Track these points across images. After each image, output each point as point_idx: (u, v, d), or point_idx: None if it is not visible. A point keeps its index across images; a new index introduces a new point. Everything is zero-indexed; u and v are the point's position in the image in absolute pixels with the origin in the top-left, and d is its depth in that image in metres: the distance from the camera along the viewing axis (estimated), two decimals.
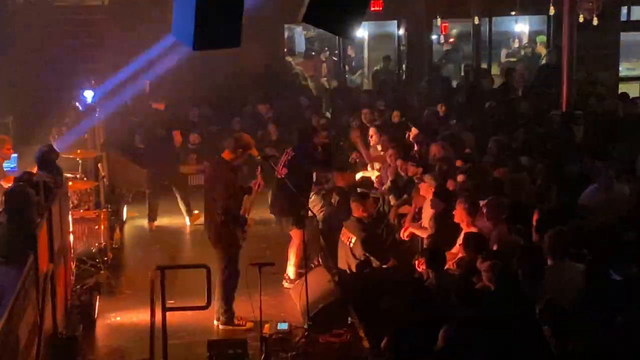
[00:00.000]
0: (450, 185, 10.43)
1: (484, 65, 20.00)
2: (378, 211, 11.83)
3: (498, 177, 10.54)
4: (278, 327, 8.98)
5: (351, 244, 10.22)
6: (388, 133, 13.66)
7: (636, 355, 6.15)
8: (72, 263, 10.21)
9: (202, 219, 10.12)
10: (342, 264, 10.42)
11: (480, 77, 18.51)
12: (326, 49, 23.37)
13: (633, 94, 16.83)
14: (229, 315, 9.35)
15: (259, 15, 13.63)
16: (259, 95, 17.61)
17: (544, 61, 20.38)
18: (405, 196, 11.42)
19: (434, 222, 9.94)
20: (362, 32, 21.82)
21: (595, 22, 14.24)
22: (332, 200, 12.35)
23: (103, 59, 16.51)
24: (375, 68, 21.90)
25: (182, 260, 11.69)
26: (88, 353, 8.74)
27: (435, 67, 20.54)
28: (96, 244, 11.06)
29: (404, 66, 21.40)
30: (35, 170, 9.64)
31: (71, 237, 10.26)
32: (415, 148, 12.95)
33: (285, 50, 21.33)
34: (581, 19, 13.91)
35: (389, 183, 12.09)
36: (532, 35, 23.66)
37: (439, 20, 18.63)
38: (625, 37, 20.73)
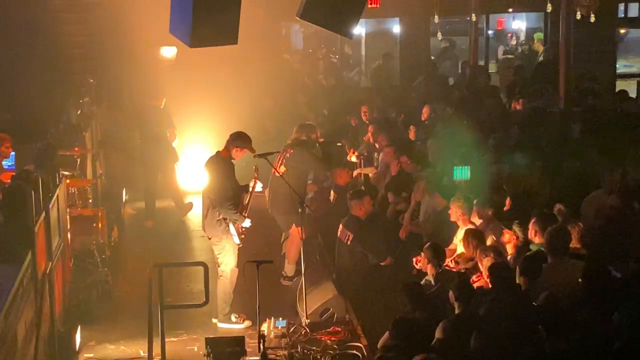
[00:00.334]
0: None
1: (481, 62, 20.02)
2: (375, 208, 11.83)
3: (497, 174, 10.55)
4: (276, 325, 8.99)
5: (349, 242, 10.22)
6: (386, 130, 13.66)
7: (633, 352, 6.15)
8: (69, 261, 10.21)
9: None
10: (339, 262, 10.43)
11: (477, 74, 18.50)
12: (323, 46, 23.36)
13: (630, 91, 16.83)
14: (227, 312, 9.35)
15: (256, 12, 13.64)
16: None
17: (541, 58, 20.39)
18: (403, 193, 11.43)
19: (432, 219, 9.96)
20: (359, 29, 21.80)
21: (592, 18, 14.25)
22: (330, 198, 12.35)
23: (102, 57, 16.47)
24: (374, 65, 21.90)
25: (180, 258, 11.68)
26: (86, 351, 8.74)
27: (431, 64, 20.52)
28: (94, 242, 11.05)
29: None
30: (32, 168, 9.63)
31: (69, 235, 10.26)
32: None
33: (283, 48, 21.31)
34: (578, 16, 13.91)
35: (386, 180, 12.10)
36: (529, 32, 23.68)
37: (436, 17, 18.57)
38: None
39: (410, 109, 15.85)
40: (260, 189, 9.86)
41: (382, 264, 10.15)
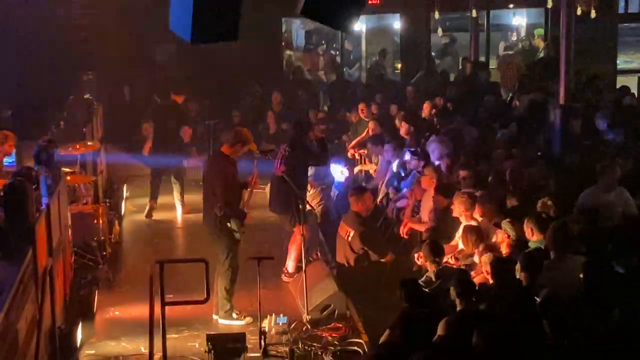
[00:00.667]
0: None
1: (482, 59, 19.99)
2: (376, 205, 11.84)
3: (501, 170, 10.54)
4: (277, 321, 9.00)
5: (349, 238, 10.23)
6: (386, 126, 13.67)
7: (634, 348, 6.15)
8: (70, 257, 10.21)
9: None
10: (340, 258, 10.44)
11: (478, 70, 18.48)
12: (323, 42, 23.33)
13: (631, 86, 16.81)
14: (228, 309, 9.36)
15: (257, 8, 13.62)
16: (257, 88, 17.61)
17: (541, 54, 20.37)
18: (405, 190, 11.43)
19: (434, 216, 9.95)
20: (359, 25, 21.78)
21: (593, 14, 14.24)
22: (331, 194, 12.36)
23: (103, 54, 16.48)
24: (371, 61, 21.90)
25: (181, 255, 11.68)
26: (87, 347, 8.74)
27: (431, 60, 20.50)
28: (95, 238, 11.05)
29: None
30: (33, 164, 9.63)
31: (70, 232, 10.26)
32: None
33: (284, 44, 21.29)
34: (579, 12, 13.90)
35: (387, 176, 12.10)
36: (530, 28, 23.65)
37: (436, 13, 18.57)
38: (623, 29, 20.73)
39: (411, 105, 15.85)
40: (263, 186, 9.88)
41: (383, 260, 10.16)
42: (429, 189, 10.43)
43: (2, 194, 7.95)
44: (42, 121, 13.70)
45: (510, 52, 22.20)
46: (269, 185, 11.30)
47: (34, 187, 7.97)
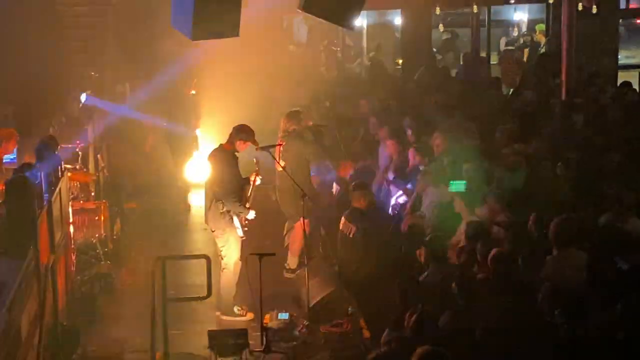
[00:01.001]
0: None
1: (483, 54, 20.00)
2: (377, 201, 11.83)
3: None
4: (279, 317, 9.00)
5: (351, 234, 10.22)
6: (388, 123, 13.64)
7: (636, 343, 6.16)
8: (72, 254, 10.21)
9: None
10: (342, 254, 10.43)
11: (479, 65, 18.48)
12: (325, 38, 23.33)
13: (632, 82, 16.80)
14: (230, 305, 9.36)
15: (257, 4, 13.60)
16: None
17: (543, 50, 20.34)
18: (409, 185, 11.41)
19: (437, 211, 9.94)
20: (360, 21, 21.78)
21: (594, 10, 14.23)
22: (333, 191, 12.35)
23: (105, 51, 16.49)
24: (369, 55, 21.91)
25: (182, 251, 11.69)
26: (89, 344, 8.75)
27: (432, 56, 20.48)
28: (96, 235, 11.06)
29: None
30: (34, 161, 9.63)
31: (71, 228, 10.27)
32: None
33: (285, 40, 21.27)
34: (580, 7, 13.89)
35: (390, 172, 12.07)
36: (531, 24, 23.63)
37: (437, 9, 18.57)
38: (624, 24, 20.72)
39: (411, 101, 15.83)
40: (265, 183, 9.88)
41: (384, 256, 10.14)
42: (431, 185, 10.38)
43: (3, 190, 7.96)
44: (44, 118, 13.71)
45: (512, 48, 22.19)
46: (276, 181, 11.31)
47: (35, 183, 7.97)
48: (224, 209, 9.24)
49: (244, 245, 9.40)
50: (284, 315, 9.04)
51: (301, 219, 10.22)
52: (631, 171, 10.25)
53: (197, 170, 13.96)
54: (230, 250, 9.31)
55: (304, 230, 9.85)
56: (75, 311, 9.25)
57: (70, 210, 10.28)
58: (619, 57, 20.85)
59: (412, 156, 11.67)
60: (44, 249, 7.99)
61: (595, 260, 7.29)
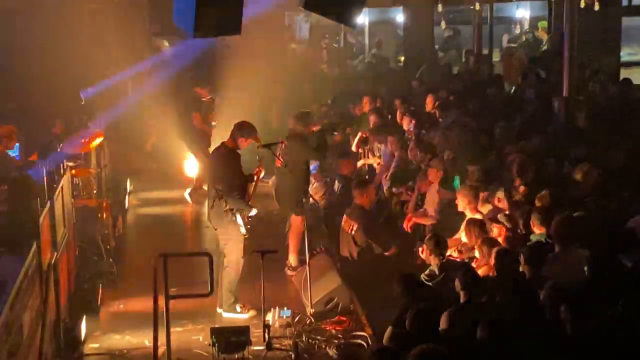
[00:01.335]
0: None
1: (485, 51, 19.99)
2: (379, 198, 11.85)
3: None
4: (281, 314, 9.00)
5: (353, 231, 10.23)
6: (388, 121, 13.67)
7: (638, 342, 6.15)
8: (74, 251, 10.22)
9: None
10: (344, 251, 10.45)
11: (481, 63, 18.48)
12: (326, 35, 23.34)
13: (635, 79, 16.79)
14: (232, 302, 9.37)
15: (260, 2, 13.63)
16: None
17: (545, 47, 20.34)
18: (410, 183, 11.43)
19: (439, 209, 9.95)
20: (362, 18, 21.79)
21: (596, 7, 14.21)
22: (335, 188, 12.36)
23: (106, 49, 16.49)
24: (371, 52, 21.91)
25: (184, 248, 11.70)
26: (91, 340, 8.76)
27: (434, 53, 20.49)
28: (99, 232, 11.08)
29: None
30: (37, 159, 9.65)
31: (74, 226, 10.28)
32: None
33: (287, 37, 21.30)
34: (582, 4, 13.88)
35: (391, 170, 12.10)
36: (534, 21, 23.63)
37: (439, 6, 18.56)
38: (626, 22, 20.67)
39: (414, 98, 15.84)
40: (267, 180, 9.87)
41: (386, 253, 10.16)
42: (435, 182, 10.42)
43: (6, 188, 7.99)
44: (45, 116, 13.72)
45: (514, 45, 22.19)
46: (272, 178, 11.32)
47: (38, 181, 7.99)
48: (227, 207, 9.24)
49: (246, 242, 9.41)
50: (286, 312, 9.04)
51: (295, 216, 10.26)
52: (636, 169, 10.26)
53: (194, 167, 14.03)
54: (233, 247, 9.31)
55: (305, 227, 9.85)
56: (77, 308, 9.25)
57: (72, 207, 10.29)
58: (621, 54, 20.85)
59: (414, 153, 11.69)
60: (46, 246, 8.00)
61: (598, 257, 7.29)
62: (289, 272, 10.52)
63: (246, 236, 9.33)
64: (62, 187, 9.16)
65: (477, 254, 8.33)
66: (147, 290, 8.17)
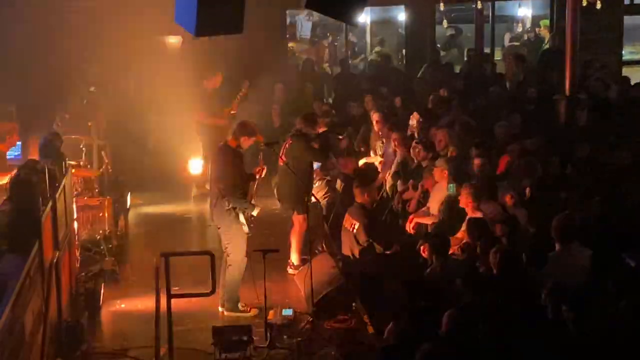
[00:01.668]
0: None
1: (487, 50, 19.96)
2: (381, 197, 11.84)
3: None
4: (283, 313, 9.01)
5: (354, 230, 10.23)
6: (391, 119, 13.64)
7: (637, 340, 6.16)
8: (76, 250, 10.22)
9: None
10: (345, 250, 10.44)
11: (483, 62, 18.44)
12: (328, 34, 23.31)
13: (637, 78, 16.78)
14: (233, 301, 9.37)
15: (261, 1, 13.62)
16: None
17: (547, 45, 20.31)
18: (411, 181, 11.41)
19: (444, 207, 9.93)
20: (364, 17, 21.76)
21: (598, 5, 14.19)
22: (337, 187, 12.35)
23: (108, 46, 16.46)
24: (373, 51, 21.87)
25: (186, 247, 11.70)
26: (93, 340, 8.77)
27: (436, 52, 20.46)
28: (100, 231, 11.07)
29: (403, 51, 21.41)
30: (38, 157, 9.64)
31: (75, 225, 10.28)
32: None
33: (288, 36, 21.26)
34: (584, 3, 13.86)
35: (394, 168, 12.08)
36: (535, 20, 23.59)
37: (441, 5, 18.52)
38: (628, 20, 20.66)
39: (416, 97, 15.82)
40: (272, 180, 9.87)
41: (388, 252, 10.15)
42: (440, 181, 10.40)
43: (8, 187, 7.97)
44: (47, 114, 13.71)
45: (516, 44, 22.15)
46: (274, 177, 11.32)
47: (39, 180, 7.97)
48: (230, 206, 9.24)
49: (248, 241, 9.41)
50: (288, 311, 9.05)
51: (297, 214, 10.26)
52: None
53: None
54: (235, 246, 9.32)
55: (308, 226, 9.85)
56: (79, 308, 9.25)
57: (74, 206, 10.29)
58: (623, 52, 20.84)
59: (417, 152, 11.67)
60: (48, 245, 8.00)
61: (601, 256, 7.28)
62: (291, 271, 10.52)
63: (249, 235, 9.33)
64: (63, 186, 9.16)
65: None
66: (149, 289, 8.18)
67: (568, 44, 13.12)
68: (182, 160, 14.58)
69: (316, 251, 10.42)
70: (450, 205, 9.85)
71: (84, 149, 12.05)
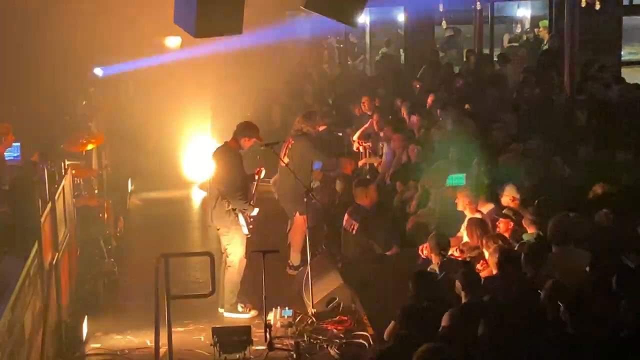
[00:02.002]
0: None
1: (486, 51, 19.98)
2: (381, 197, 11.83)
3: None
4: (282, 314, 9.00)
5: (354, 231, 10.23)
6: (390, 120, 13.66)
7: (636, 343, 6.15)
8: (76, 251, 10.22)
9: None
10: (345, 251, 10.44)
11: (482, 62, 18.45)
12: (329, 36, 23.34)
13: (636, 78, 16.78)
14: (233, 302, 9.37)
15: (261, 1, 13.61)
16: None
17: (546, 46, 20.33)
18: (411, 182, 11.41)
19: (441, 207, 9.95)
20: (363, 18, 21.79)
21: (597, 6, 14.21)
22: (337, 187, 12.35)
23: (109, 45, 16.48)
24: (380, 52, 21.90)
25: (186, 248, 11.70)
26: (93, 341, 8.76)
27: (434, 52, 20.46)
28: (100, 233, 11.07)
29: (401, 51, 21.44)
30: (38, 159, 9.65)
31: (75, 226, 10.28)
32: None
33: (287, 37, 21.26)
34: (583, 3, 13.88)
35: (392, 169, 12.09)
36: (535, 20, 23.62)
37: (441, 5, 18.53)
38: (627, 21, 20.67)
39: (414, 98, 15.82)
40: (269, 179, 9.86)
41: (387, 253, 10.15)
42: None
43: (7, 189, 7.98)
44: (47, 116, 13.72)
45: (515, 44, 22.18)
46: (274, 178, 11.32)
47: (39, 181, 7.98)
48: (229, 207, 9.24)
49: (248, 242, 9.41)
50: (287, 312, 9.04)
51: (298, 215, 10.26)
52: None
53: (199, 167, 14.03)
54: (235, 247, 9.32)
55: (308, 227, 9.85)
56: (79, 309, 9.25)
57: (73, 207, 10.29)
58: (622, 53, 20.84)
59: (415, 152, 11.68)
60: (48, 246, 8.00)
61: (600, 257, 7.28)
62: (291, 272, 10.52)
63: (249, 236, 9.34)
64: (63, 187, 9.16)
65: (486, 254, 8.27)
66: (149, 290, 8.17)
67: (567, 44, 13.15)
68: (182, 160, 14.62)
69: (316, 252, 10.42)
70: (449, 205, 9.84)
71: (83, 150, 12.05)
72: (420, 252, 9.11)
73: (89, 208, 11.18)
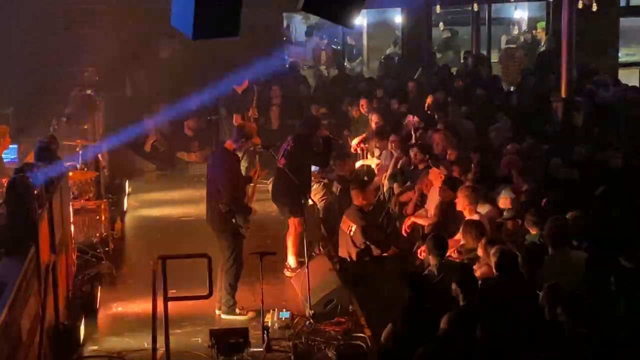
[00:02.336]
0: (456, 172, 10.41)
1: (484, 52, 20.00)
2: (378, 199, 11.84)
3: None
4: (280, 316, 9.00)
5: (351, 233, 10.23)
6: (388, 121, 13.65)
7: (638, 342, 6.15)
8: (73, 253, 10.21)
9: None
10: (342, 253, 10.44)
11: (479, 64, 18.47)
12: (325, 37, 23.32)
13: (633, 80, 16.82)
14: (231, 304, 9.36)
15: (257, 2, 13.60)
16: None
17: (543, 48, 20.35)
18: (408, 183, 11.41)
19: (440, 210, 9.93)
20: (361, 19, 21.79)
21: (594, 7, 14.24)
22: (334, 189, 12.35)
23: (103, 49, 16.47)
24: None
25: (183, 250, 11.67)
26: (90, 343, 8.75)
27: (431, 54, 20.48)
28: (97, 234, 11.06)
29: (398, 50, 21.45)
30: (34, 160, 9.63)
31: (72, 228, 10.27)
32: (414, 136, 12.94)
33: (285, 38, 21.28)
34: (580, 5, 13.91)
35: (390, 171, 12.08)
36: (532, 22, 23.64)
37: (438, 7, 18.56)
38: (624, 22, 20.71)
39: (412, 100, 15.82)
40: (266, 181, 9.84)
41: (385, 254, 10.15)
42: (437, 183, 10.39)
43: (4, 190, 7.96)
44: (44, 117, 13.71)
45: (512, 46, 22.20)
46: (271, 180, 11.31)
47: (36, 183, 7.97)
48: (227, 209, 9.23)
49: (245, 244, 9.40)
50: (285, 314, 9.03)
51: (293, 217, 10.26)
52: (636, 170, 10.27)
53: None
54: (232, 249, 9.31)
55: (303, 229, 9.85)
56: (76, 311, 9.23)
57: (71, 209, 10.28)
58: (619, 54, 20.88)
59: (414, 154, 11.68)
60: (45, 248, 7.99)
61: (596, 259, 7.28)
62: (288, 274, 10.51)
63: (245, 237, 9.33)
64: (60, 189, 9.15)
65: (479, 252, 8.29)
66: (146, 292, 8.17)
67: (564, 46, 13.15)
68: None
69: (313, 254, 10.41)
70: (448, 207, 9.85)
71: (80, 151, 12.03)
72: (417, 254, 9.10)
73: (86, 210, 11.16)
